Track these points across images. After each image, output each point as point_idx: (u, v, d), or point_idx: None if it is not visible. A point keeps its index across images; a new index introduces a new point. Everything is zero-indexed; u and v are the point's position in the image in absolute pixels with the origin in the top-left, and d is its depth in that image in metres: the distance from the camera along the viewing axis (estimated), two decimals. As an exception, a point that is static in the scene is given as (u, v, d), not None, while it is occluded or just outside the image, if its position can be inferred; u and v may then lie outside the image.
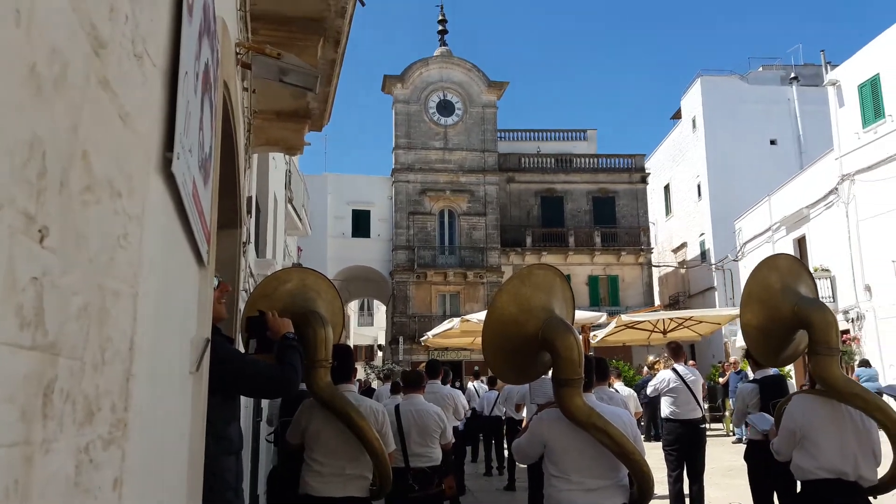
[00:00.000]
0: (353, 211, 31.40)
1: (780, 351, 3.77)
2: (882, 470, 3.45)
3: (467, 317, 13.80)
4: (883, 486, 3.39)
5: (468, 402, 11.36)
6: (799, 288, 3.62)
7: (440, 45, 32.71)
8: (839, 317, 21.07)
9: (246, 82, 4.28)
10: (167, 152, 1.32)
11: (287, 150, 6.20)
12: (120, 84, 1.07)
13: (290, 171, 13.16)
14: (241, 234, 4.59)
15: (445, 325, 15.51)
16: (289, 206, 13.50)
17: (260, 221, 8.60)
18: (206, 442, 2.11)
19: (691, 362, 8.92)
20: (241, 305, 4.83)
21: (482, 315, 14.20)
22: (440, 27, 33.07)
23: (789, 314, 3.50)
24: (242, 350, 3.46)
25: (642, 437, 3.56)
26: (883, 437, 3.32)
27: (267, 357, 2.85)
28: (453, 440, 5.31)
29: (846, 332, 20.74)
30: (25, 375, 0.73)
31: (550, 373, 3.81)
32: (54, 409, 0.82)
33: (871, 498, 3.41)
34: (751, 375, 6.50)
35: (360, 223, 31.42)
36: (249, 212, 5.86)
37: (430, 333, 17.26)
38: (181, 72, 1.37)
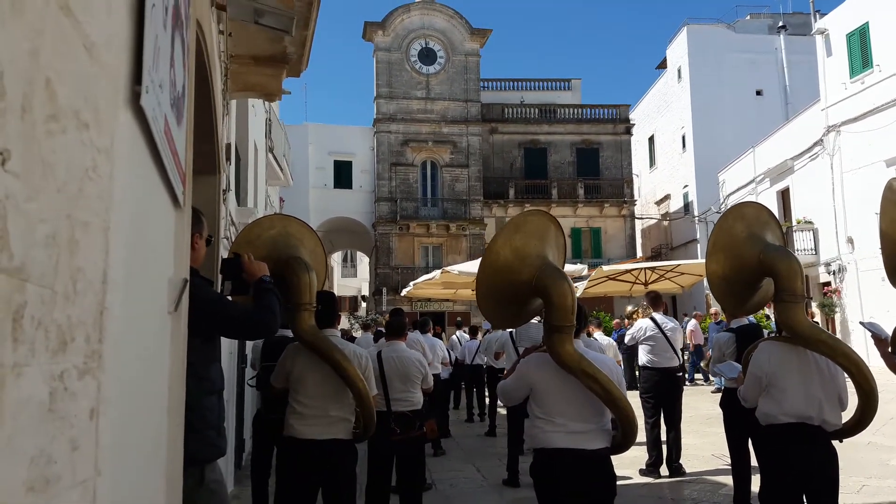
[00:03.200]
0: (335, 162, 31.12)
1: (746, 299, 3.79)
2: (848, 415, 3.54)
3: (448, 268, 13.88)
4: (847, 431, 3.45)
5: (450, 351, 11.55)
6: (765, 236, 3.62)
7: (423, -9, 31.97)
8: (821, 269, 21.45)
9: (221, 25, 4.17)
10: (136, 86, 1.30)
11: (265, 96, 6.10)
12: (83, 12, 1.05)
13: (270, 120, 12.95)
14: (221, 180, 4.56)
15: (427, 276, 15.60)
16: (269, 155, 13.33)
17: (240, 170, 8.51)
18: (187, 382, 2.14)
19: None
20: (223, 252, 4.83)
21: (463, 267, 14.32)
22: (423, -28, 32.24)
23: (755, 262, 3.50)
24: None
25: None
26: (850, 382, 3.41)
27: (243, 299, 2.86)
28: (433, 385, 5.40)
29: (828, 284, 21.13)
30: (-8, 297, 0.74)
31: (536, 318, 3.88)
32: (25, 334, 0.82)
33: (835, 442, 3.47)
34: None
35: (342, 174, 31.17)
36: (229, 159, 5.79)
37: (411, 284, 17.36)
38: (148, 3, 1.34)
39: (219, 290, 3.24)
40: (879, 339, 3.82)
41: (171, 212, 1.93)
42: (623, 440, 3.18)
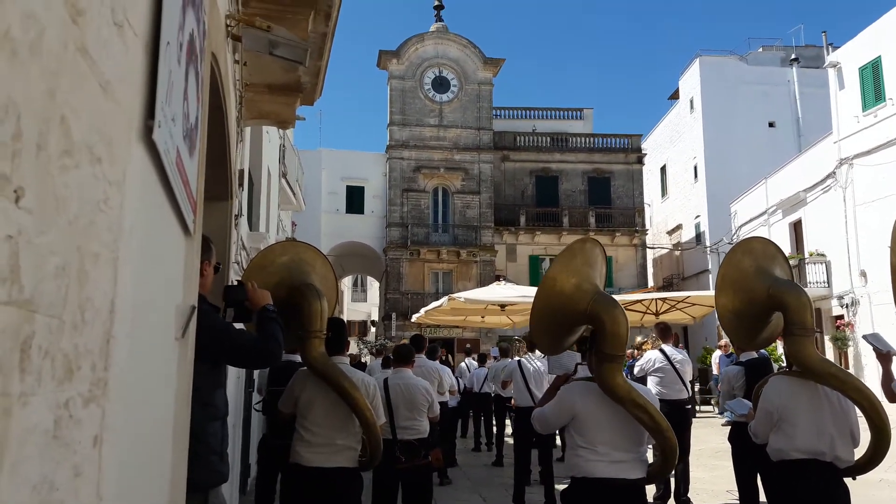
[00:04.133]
0: (348, 187, 31.35)
1: (756, 334, 3.77)
2: (861, 451, 3.49)
3: (455, 296, 13.88)
4: (860, 467, 3.39)
5: (459, 378, 11.49)
6: (774, 270, 3.62)
7: (436, 21, 32.42)
8: (834, 302, 21.23)
9: (237, 55, 4.27)
10: (149, 120, 1.35)
11: (279, 124, 6.20)
12: (99, 52, 1.09)
13: (284, 146, 13.11)
14: (233, 206, 4.62)
15: (434, 304, 15.60)
16: (283, 180, 13.48)
17: (253, 195, 8.61)
18: (192, 408, 2.15)
19: (679, 346, 9.01)
20: (233, 277, 4.87)
21: (469, 294, 14.30)
22: (436, 2, 32.73)
23: (764, 296, 3.50)
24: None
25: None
26: (861, 417, 3.36)
27: (247, 326, 2.89)
28: (439, 413, 5.38)
29: (840, 317, 20.89)
30: (2, 329, 0.77)
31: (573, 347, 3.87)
32: (32, 364, 0.85)
33: (848, 479, 3.41)
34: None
35: (355, 199, 31.38)
36: (241, 184, 5.86)
37: (421, 311, 17.35)
38: (163, 41, 1.39)
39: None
40: (882, 354, 3.77)
41: (182, 239, 1.97)
42: (663, 467, 3.21)
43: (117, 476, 1.27)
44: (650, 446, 3.23)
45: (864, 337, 4.01)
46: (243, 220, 6.83)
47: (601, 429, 3.08)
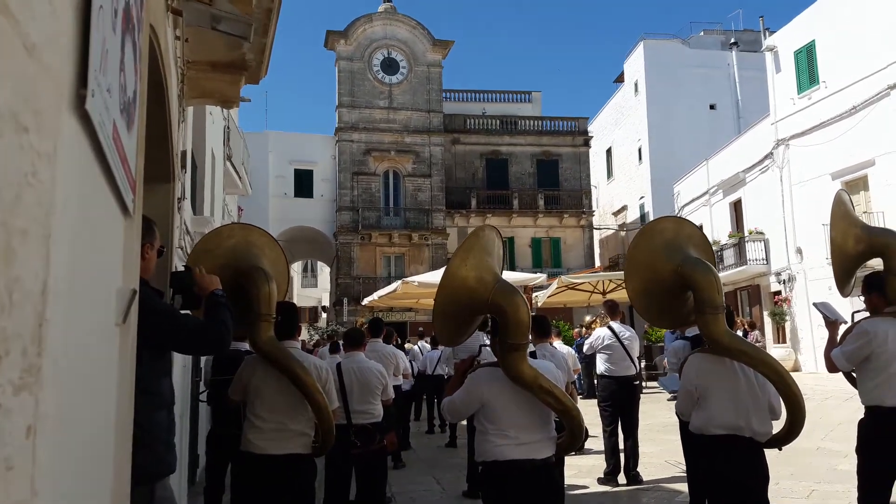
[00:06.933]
0: (296, 170, 30.84)
1: (673, 311, 3.79)
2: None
3: (408, 279, 13.85)
4: (781, 439, 3.49)
5: (412, 362, 11.49)
6: (688, 249, 3.60)
7: (384, 1, 32.00)
8: (772, 278, 22.04)
9: (178, 30, 4.09)
10: (81, 89, 1.25)
11: (223, 104, 6.00)
12: (23, 11, 1.01)
13: (228, 128, 12.76)
14: (175, 188, 4.45)
15: (388, 289, 15.55)
16: (228, 163, 13.13)
17: (196, 178, 8.35)
18: (136, 396, 2.07)
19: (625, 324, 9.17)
20: (177, 263, 4.71)
21: (422, 278, 14.30)
22: (385, -19, 32.32)
23: (672, 275, 3.50)
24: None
25: (582, 395, 3.70)
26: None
27: (195, 313, 2.79)
28: (393, 397, 5.36)
29: (778, 293, 21.72)
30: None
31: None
32: (-47, 349, 0.78)
33: (778, 451, 3.52)
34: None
35: (303, 183, 30.90)
36: (184, 166, 5.67)
37: (374, 295, 17.26)
38: (95, 4, 1.29)
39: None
40: (830, 322, 3.90)
41: (120, 220, 1.87)
42: (571, 443, 3.26)
43: (54, 469, 1.19)
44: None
45: (815, 304, 4.15)
46: (186, 204, 6.61)
47: (510, 414, 3.11)
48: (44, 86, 1.12)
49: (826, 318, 3.92)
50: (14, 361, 0.98)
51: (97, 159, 1.48)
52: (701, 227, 4.26)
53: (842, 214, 3.93)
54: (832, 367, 3.84)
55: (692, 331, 5.78)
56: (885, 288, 3.70)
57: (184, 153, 5.67)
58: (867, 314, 3.87)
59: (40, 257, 1.09)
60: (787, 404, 3.40)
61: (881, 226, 14.77)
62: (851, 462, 4.23)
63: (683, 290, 3.59)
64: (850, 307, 5.02)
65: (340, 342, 7.58)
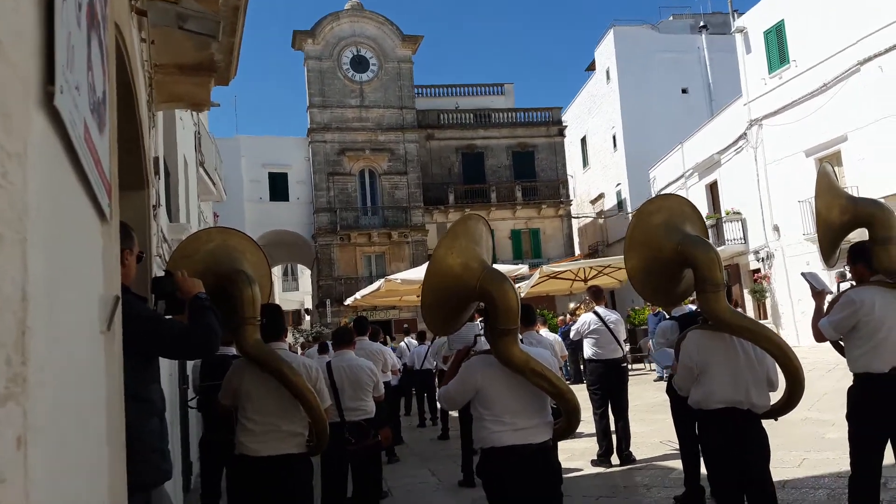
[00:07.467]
0: (270, 174, 30.58)
1: (668, 290, 3.84)
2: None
3: (391, 277, 13.81)
4: (778, 410, 3.57)
5: (399, 357, 11.47)
6: (685, 227, 3.64)
7: (351, -1, 31.81)
8: (751, 257, 22.30)
9: (144, 33, 4.01)
10: (48, 86, 1.21)
11: (193, 107, 5.90)
12: (-15, 5, 0.96)
13: (199, 133, 12.58)
14: (150, 195, 4.38)
15: (371, 287, 15.48)
16: (200, 169, 12.96)
17: (170, 185, 8.22)
18: (126, 404, 2.01)
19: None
20: (156, 270, 4.63)
21: (405, 275, 14.26)
22: (349, -22, 32.09)
23: (672, 253, 3.53)
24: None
25: (569, 380, 3.72)
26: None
27: (179, 318, 2.73)
28: (384, 392, 5.34)
29: (757, 271, 21.99)
30: None
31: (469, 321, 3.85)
32: (-69, 357, 0.74)
33: (772, 421, 3.59)
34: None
35: (278, 186, 30.65)
36: (157, 173, 5.57)
37: (357, 295, 17.18)
38: (59, -2, 1.24)
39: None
40: (817, 292, 3.95)
41: (98, 225, 1.81)
42: (567, 427, 3.26)
43: (48, 480, 1.15)
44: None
45: (803, 274, 4.19)
46: (162, 211, 6.51)
47: (505, 399, 3.12)
48: (10, 83, 1.07)
49: (813, 287, 3.95)
50: (-3, 370, 0.94)
51: (70, 161, 1.43)
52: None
53: (826, 186, 3.97)
54: (820, 337, 3.88)
55: (679, 311, 5.82)
56: (871, 257, 3.74)
57: (156, 159, 5.57)
58: (853, 283, 3.91)
59: (17, 263, 1.04)
60: (788, 377, 3.45)
61: (854, 198, 14.93)
62: (839, 430, 4.28)
63: (682, 269, 3.62)
64: (829, 280, 5.06)
65: (329, 342, 7.53)
